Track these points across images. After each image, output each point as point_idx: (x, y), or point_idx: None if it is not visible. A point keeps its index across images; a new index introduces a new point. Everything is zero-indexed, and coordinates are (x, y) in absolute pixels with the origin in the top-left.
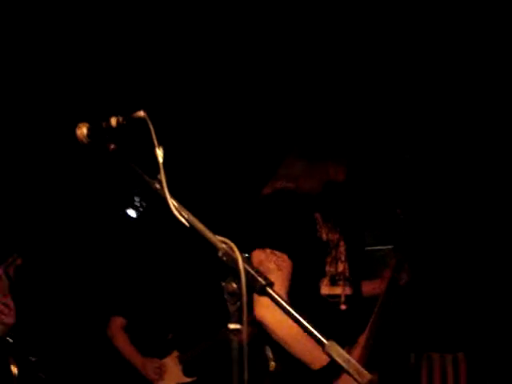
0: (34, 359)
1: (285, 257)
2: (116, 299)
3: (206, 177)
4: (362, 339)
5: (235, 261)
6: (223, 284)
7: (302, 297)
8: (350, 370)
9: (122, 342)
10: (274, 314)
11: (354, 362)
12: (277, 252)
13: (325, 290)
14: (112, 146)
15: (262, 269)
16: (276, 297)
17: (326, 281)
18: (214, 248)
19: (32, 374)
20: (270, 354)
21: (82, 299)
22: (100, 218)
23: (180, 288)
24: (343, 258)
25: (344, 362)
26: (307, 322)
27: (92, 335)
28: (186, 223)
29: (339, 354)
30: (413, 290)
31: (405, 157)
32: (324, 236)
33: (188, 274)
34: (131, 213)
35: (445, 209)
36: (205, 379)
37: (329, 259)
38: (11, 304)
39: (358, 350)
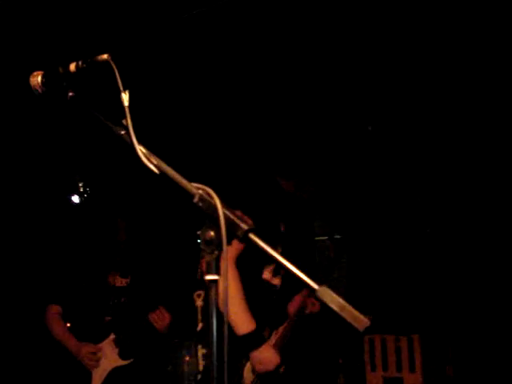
0: None
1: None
2: (51, 287)
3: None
4: (279, 331)
5: (213, 207)
6: (199, 232)
7: (246, 277)
8: (346, 316)
9: (57, 329)
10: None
11: (349, 307)
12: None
13: (266, 275)
14: (70, 94)
15: None
16: (259, 242)
17: (270, 268)
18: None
19: None
20: (199, 314)
21: (17, 288)
22: (42, 204)
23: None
24: None
25: (338, 307)
26: (295, 268)
27: (29, 325)
28: (156, 170)
29: (332, 299)
30: (370, 274)
31: (368, 128)
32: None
33: (124, 257)
34: (75, 199)
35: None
36: (141, 361)
37: None
38: None
39: (274, 338)
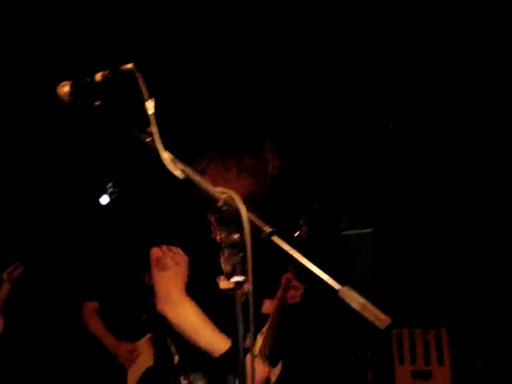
0: None
1: (180, 251)
2: (88, 284)
3: None
4: (264, 331)
5: (237, 210)
6: (222, 236)
7: (201, 290)
8: (367, 315)
9: (95, 326)
10: (174, 308)
11: (370, 306)
12: (173, 248)
13: (223, 284)
14: (97, 103)
15: (159, 265)
16: (282, 245)
17: (222, 277)
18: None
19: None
20: (173, 348)
21: (54, 285)
22: (72, 204)
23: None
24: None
25: (359, 306)
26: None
27: (68, 323)
28: (181, 176)
29: (353, 299)
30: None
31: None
32: (218, 237)
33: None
34: (104, 199)
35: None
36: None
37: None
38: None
39: (261, 338)
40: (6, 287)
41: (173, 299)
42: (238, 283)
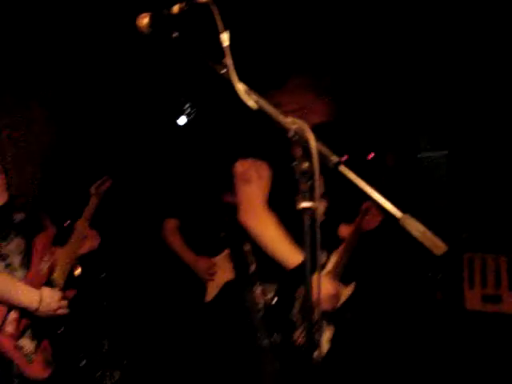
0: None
1: (264, 166)
2: (169, 201)
3: None
4: (339, 251)
5: (307, 140)
6: (294, 164)
7: (280, 205)
8: (425, 242)
9: (176, 243)
10: (256, 219)
11: (429, 234)
12: (258, 161)
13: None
14: (175, 34)
15: (244, 178)
16: (348, 174)
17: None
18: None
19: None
20: (250, 258)
21: (136, 203)
22: (152, 125)
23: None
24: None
25: (419, 233)
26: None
27: (149, 239)
28: (254, 106)
29: (414, 226)
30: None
31: None
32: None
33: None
34: (182, 119)
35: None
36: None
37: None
38: (94, 234)
39: (334, 258)
40: (93, 201)
41: (254, 211)
42: (306, 209)
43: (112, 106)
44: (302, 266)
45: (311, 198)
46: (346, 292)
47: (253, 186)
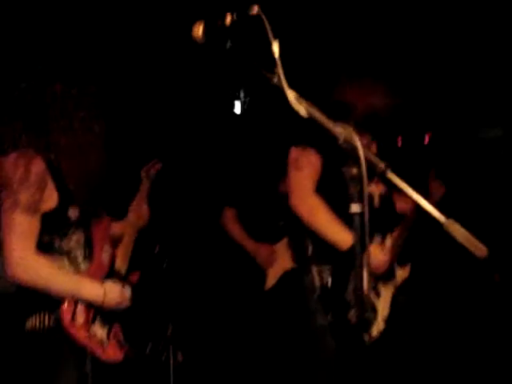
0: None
1: (315, 153)
2: (227, 190)
3: None
4: (393, 236)
5: (355, 148)
6: (343, 169)
7: (334, 194)
8: (469, 246)
9: (236, 231)
10: (306, 204)
11: (472, 238)
12: (309, 149)
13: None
14: (228, 44)
15: (296, 165)
16: (396, 179)
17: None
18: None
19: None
20: (307, 241)
21: (194, 191)
22: (208, 112)
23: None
24: None
25: (462, 238)
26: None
27: (207, 227)
28: (305, 114)
29: (458, 231)
30: None
31: None
32: None
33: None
34: (237, 107)
35: None
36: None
37: None
38: (147, 208)
39: (389, 242)
40: (145, 184)
41: (304, 196)
42: (355, 213)
43: (167, 92)
44: (354, 247)
45: (360, 202)
46: (403, 274)
47: (304, 172)
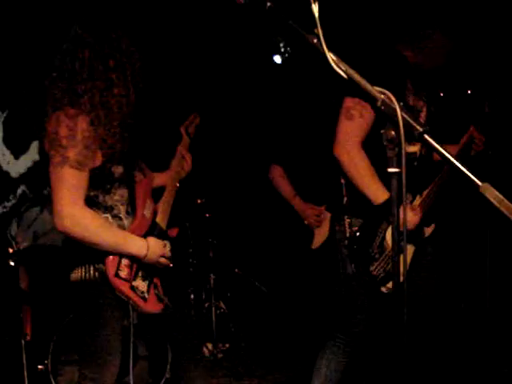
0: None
1: (369, 107)
2: (274, 147)
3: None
4: (425, 193)
5: (393, 110)
6: (382, 131)
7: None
8: (504, 210)
9: (285, 188)
10: (349, 154)
11: (507, 202)
12: (363, 102)
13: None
14: (269, 4)
15: (347, 114)
16: (432, 141)
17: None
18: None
19: None
20: (344, 190)
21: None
22: (247, 65)
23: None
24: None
25: (498, 202)
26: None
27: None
28: (345, 76)
29: (493, 195)
30: None
31: None
32: (410, 101)
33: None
34: (277, 59)
35: None
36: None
37: None
38: (190, 157)
39: (420, 198)
40: (185, 140)
41: (349, 146)
42: (393, 174)
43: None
44: (386, 203)
45: (398, 164)
46: (428, 230)
47: (354, 122)
